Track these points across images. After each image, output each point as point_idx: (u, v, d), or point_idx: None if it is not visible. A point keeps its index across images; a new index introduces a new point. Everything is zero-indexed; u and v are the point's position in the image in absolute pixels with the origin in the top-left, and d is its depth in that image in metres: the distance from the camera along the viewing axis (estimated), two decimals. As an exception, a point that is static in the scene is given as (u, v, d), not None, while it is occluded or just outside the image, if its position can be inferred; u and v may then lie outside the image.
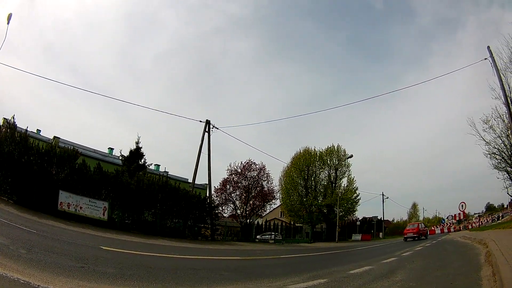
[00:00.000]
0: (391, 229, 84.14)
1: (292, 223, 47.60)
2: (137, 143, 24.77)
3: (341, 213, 45.90)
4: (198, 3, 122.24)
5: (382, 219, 70.84)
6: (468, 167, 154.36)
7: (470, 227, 47.84)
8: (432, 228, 64.53)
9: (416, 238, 30.00)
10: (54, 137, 30.34)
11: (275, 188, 36.56)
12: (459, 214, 43.22)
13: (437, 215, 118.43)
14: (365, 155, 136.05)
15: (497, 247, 8.31)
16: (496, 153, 25.14)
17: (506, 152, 24.75)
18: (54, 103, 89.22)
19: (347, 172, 49.87)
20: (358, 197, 49.72)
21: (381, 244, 28.31)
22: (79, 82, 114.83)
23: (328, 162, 49.33)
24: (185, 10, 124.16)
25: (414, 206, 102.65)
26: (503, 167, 25.31)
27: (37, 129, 33.34)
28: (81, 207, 18.24)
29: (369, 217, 70.38)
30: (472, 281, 5.82)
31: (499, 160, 25.25)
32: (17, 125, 18.92)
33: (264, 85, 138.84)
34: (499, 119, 23.68)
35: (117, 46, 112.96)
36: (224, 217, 33.08)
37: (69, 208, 17.90)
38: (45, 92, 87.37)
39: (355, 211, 51.39)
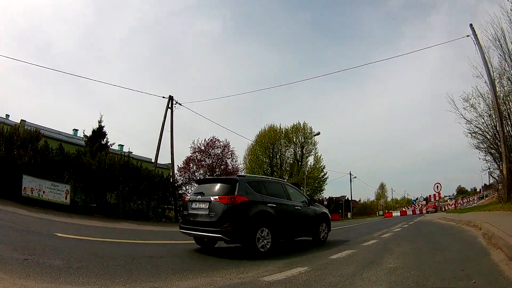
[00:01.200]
0: (359, 209, 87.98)
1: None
2: (99, 121, 25.14)
3: (308, 192, 46.34)
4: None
5: (350, 199, 73.12)
6: (438, 149, 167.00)
7: (445, 208, 49.79)
8: (403, 209, 67.94)
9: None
10: (21, 120, 30.36)
11: (240, 166, 36.36)
12: (434, 195, 43.36)
13: (406, 196, 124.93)
14: (333, 134, 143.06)
15: (498, 229, 7.79)
16: (479, 132, 25.33)
17: (489, 132, 24.85)
18: (22, 87, 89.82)
19: (313, 150, 50.66)
20: (326, 176, 51.03)
21: (353, 225, 27.81)
22: (48, 65, 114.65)
23: (294, 139, 50.05)
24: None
25: (382, 186, 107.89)
26: (485, 148, 25.61)
27: (6, 114, 34.58)
28: (44, 192, 18.10)
29: (336, 197, 73.04)
30: (487, 267, 5.26)
31: (481, 140, 25.58)
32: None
33: (227, 64, 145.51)
34: (480, 98, 24.29)
35: (83, 28, 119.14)
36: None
37: (32, 193, 17.74)
38: (15, 78, 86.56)
39: (323, 190, 52.49)
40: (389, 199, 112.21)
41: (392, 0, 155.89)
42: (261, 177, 10.53)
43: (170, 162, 28.17)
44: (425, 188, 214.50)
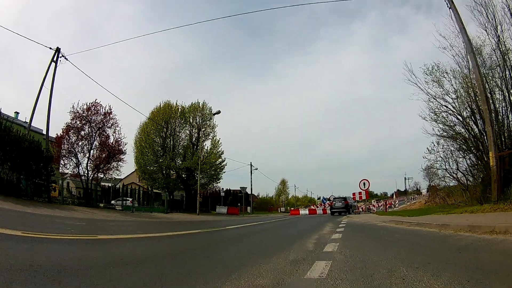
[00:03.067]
0: (259, 203, 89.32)
1: (149, 188, 47.64)
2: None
3: (203, 180, 47.36)
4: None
5: (251, 192, 73.94)
6: (341, 153, 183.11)
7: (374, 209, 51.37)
8: (312, 207, 69.75)
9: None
10: None
11: (124, 140, 32.60)
12: (360, 193, 40.80)
13: (308, 195, 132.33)
14: (234, 127, 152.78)
15: None
16: (450, 112, 22.30)
17: (461, 113, 21.84)
18: None
19: (211, 134, 50.40)
20: (224, 163, 51.17)
21: (259, 222, 23.40)
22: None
23: (191, 120, 49.70)
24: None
25: (283, 182, 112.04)
26: (457, 133, 22.41)
27: None
28: None
29: (234, 190, 74.62)
30: None
31: (450, 124, 22.46)
32: None
33: (140, 50, 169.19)
34: (443, 76, 22.10)
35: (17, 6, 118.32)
36: (78, 175, 30.36)
37: None
38: None
39: (220, 179, 52.51)
40: (290, 196, 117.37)
41: (315, 2, 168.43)
42: (349, 196, 44.42)
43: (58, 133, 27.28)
44: (328, 189, 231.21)
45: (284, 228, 17.36)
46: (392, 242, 8.62)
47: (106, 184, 44.16)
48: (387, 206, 49.33)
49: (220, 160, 50.31)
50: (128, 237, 10.10)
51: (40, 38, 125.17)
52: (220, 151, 50.66)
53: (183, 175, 49.39)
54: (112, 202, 36.30)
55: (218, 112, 47.00)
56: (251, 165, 70.88)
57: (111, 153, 30.61)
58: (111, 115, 30.72)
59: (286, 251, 6.91)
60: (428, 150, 24.18)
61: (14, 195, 21.10)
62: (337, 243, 8.16)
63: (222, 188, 63.76)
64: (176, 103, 49.92)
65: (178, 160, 48.16)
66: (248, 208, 70.07)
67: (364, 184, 38.43)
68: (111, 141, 31.01)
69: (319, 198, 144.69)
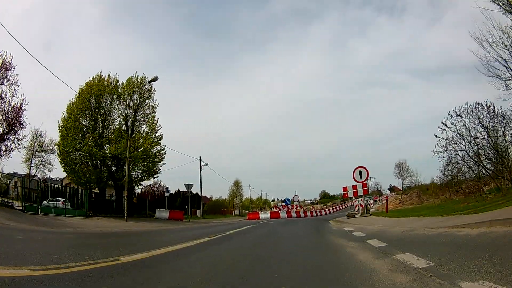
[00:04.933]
0: (211, 206, 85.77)
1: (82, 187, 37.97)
2: None
3: (134, 173, 39.13)
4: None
5: (201, 192, 66.43)
6: (298, 154, 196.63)
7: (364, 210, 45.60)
8: (275, 210, 66.35)
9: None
10: None
11: (25, 107, 24.39)
12: (354, 187, 28.19)
13: (262, 197, 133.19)
14: (187, 128, 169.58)
15: None
16: None
17: None
18: None
19: (151, 115, 40.19)
20: (163, 151, 40.84)
21: (217, 234, 15.74)
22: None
23: (126, 97, 38.88)
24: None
25: (237, 183, 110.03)
26: None
27: None
28: None
29: (183, 191, 67.56)
30: None
31: None
32: None
33: (101, 52, 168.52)
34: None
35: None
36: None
37: None
38: None
39: (158, 172, 41.88)
40: (244, 198, 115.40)
41: (274, 2, 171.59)
42: None
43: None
44: (287, 190, 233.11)
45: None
46: None
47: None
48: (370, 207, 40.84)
49: (158, 147, 40.32)
50: None
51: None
52: (159, 136, 40.22)
53: (112, 167, 39.65)
54: (44, 202, 32.60)
55: (156, 79, 35.49)
56: (200, 159, 61.67)
57: (8, 123, 22.83)
58: (8, 66, 22.92)
59: None
60: (444, 124, 21.71)
61: None
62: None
63: (167, 188, 57.89)
64: (108, 76, 38.83)
65: (107, 147, 38.10)
66: (198, 211, 62.38)
67: (360, 173, 27.12)
68: (6, 107, 22.97)
69: (273, 200, 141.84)
